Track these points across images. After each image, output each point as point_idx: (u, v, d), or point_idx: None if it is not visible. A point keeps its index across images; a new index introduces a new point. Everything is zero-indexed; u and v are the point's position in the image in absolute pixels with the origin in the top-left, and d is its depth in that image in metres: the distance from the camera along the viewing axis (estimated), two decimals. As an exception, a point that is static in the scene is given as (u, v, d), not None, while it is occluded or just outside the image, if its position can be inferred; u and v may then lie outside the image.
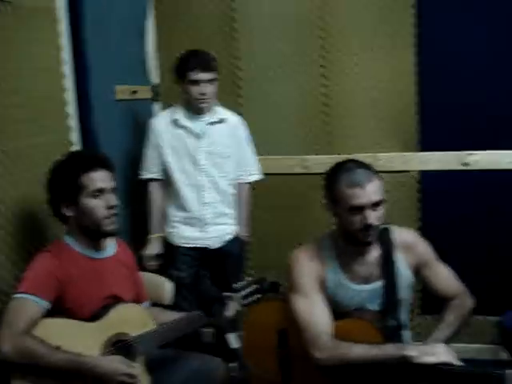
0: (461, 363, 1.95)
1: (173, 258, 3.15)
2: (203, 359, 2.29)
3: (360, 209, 2.13)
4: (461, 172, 3.36)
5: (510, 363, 2.58)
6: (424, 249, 2.33)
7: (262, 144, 3.57)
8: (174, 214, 3.16)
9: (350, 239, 2.23)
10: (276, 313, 2.33)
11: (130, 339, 2.13)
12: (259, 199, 3.62)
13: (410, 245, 2.31)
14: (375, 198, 2.14)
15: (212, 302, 1.76)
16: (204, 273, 3.28)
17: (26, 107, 2.47)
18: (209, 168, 3.09)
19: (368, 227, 2.13)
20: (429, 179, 3.42)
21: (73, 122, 2.79)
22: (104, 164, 2.25)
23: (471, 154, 3.33)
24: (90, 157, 2.28)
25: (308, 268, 2.27)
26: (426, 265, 2.32)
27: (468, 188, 3.37)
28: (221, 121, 3.12)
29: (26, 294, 2.01)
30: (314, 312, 2.19)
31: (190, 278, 3.14)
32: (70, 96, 2.79)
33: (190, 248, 3.15)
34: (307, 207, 3.58)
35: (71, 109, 2.78)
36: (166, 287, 2.67)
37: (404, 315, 2.31)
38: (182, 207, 3.13)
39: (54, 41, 2.68)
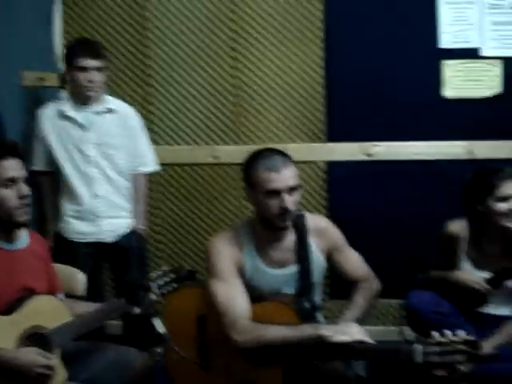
0: (372, 341, 2.06)
1: (68, 253, 3.02)
2: (119, 350, 2.27)
3: (276, 193, 2.20)
4: (365, 162, 3.50)
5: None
6: (335, 234, 2.45)
7: (173, 134, 3.58)
8: (66, 207, 3.06)
9: (267, 224, 2.30)
10: (195, 299, 2.35)
11: (46, 332, 2.08)
12: (170, 190, 3.63)
13: (322, 230, 2.41)
14: (291, 182, 2.22)
15: (135, 288, 1.76)
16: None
17: None
18: (98, 159, 3.01)
19: (284, 211, 2.21)
20: (335, 169, 3.54)
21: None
22: (15, 152, 2.17)
23: (375, 145, 3.48)
24: (1, 145, 2.20)
25: (226, 253, 2.32)
26: (337, 249, 2.43)
27: (372, 177, 3.52)
28: (109, 110, 3.05)
29: None
30: (233, 296, 2.24)
31: (89, 274, 2.88)
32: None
33: (85, 244, 3.06)
34: (218, 197, 3.62)
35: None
36: (78, 278, 2.61)
37: (318, 298, 2.41)
38: (74, 200, 3.03)
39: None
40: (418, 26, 3.41)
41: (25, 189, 2.14)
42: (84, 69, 2.91)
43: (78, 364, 2.19)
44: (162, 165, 3.57)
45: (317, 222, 2.44)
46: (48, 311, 2.13)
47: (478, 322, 2.55)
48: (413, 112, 3.47)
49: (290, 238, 2.35)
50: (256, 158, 2.30)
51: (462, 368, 1.89)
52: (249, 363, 2.21)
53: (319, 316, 2.42)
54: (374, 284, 2.47)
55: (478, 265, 2.65)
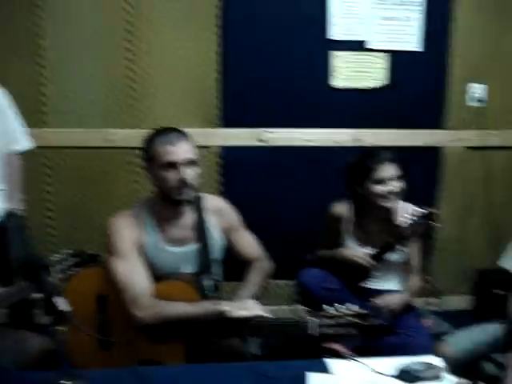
0: (270, 316, 2.16)
1: None
2: (16, 335, 2.23)
3: (173, 165, 2.25)
4: (258, 148, 3.60)
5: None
6: (232, 215, 2.54)
7: (65, 116, 3.50)
8: None
9: (166, 199, 2.34)
10: (94, 279, 2.35)
11: None
12: (62, 174, 3.55)
13: (220, 210, 2.49)
14: (187, 155, 2.28)
15: (35, 268, 1.75)
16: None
17: None
18: None
19: (183, 183, 2.26)
20: (229, 154, 3.61)
21: None
22: None
23: (267, 131, 3.59)
24: None
25: (125, 232, 2.34)
26: (234, 229, 2.53)
27: (265, 163, 3.62)
28: None
29: None
30: (133, 273, 2.27)
31: None
32: None
33: None
34: (111, 181, 3.58)
35: None
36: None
37: (218, 275, 2.49)
38: None
39: None
40: (310, 17, 3.53)
41: None
42: None
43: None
44: (54, 148, 3.51)
45: (215, 202, 2.53)
46: None
47: (362, 297, 2.72)
48: (304, 100, 3.60)
49: (189, 216, 2.41)
50: (153, 134, 2.36)
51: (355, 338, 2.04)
52: (151, 341, 2.24)
53: (219, 293, 2.49)
54: (267, 264, 2.59)
55: (362, 242, 2.83)
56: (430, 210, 2.65)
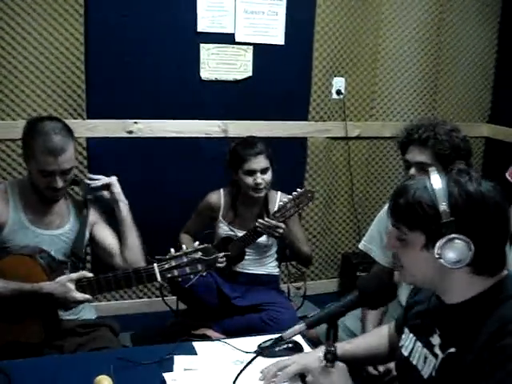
0: None
1: None
2: None
3: (50, 174, 2.25)
4: (126, 139, 3.58)
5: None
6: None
7: None
8: None
9: (36, 192, 2.35)
10: None
11: None
12: None
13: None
14: (66, 166, 2.28)
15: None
16: None
17: None
18: None
19: (54, 190, 2.30)
20: (95, 146, 3.55)
21: None
22: None
23: (136, 122, 3.57)
24: None
25: None
26: (97, 225, 2.53)
27: (133, 154, 3.61)
28: None
29: None
30: None
31: None
32: None
33: None
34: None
35: None
36: None
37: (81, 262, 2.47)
38: None
39: None
40: (180, 8, 3.55)
41: None
42: None
43: None
44: None
45: None
46: None
47: (233, 280, 2.90)
48: (173, 92, 3.62)
49: (61, 203, 2.42)
50: (38, 130, 2.28)
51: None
52: (6, 322, 2.19)
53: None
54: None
55: (235, 226, 2.95)
56: (307, 189, 2.79)
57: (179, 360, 1.87)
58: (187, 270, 2.10)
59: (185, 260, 2.10)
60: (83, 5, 3.39)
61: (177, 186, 3.68)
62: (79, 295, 2.15)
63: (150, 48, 3.55)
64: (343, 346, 1.79)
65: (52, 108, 3.44)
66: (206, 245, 2.13)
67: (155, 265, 2.13)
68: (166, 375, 1.77)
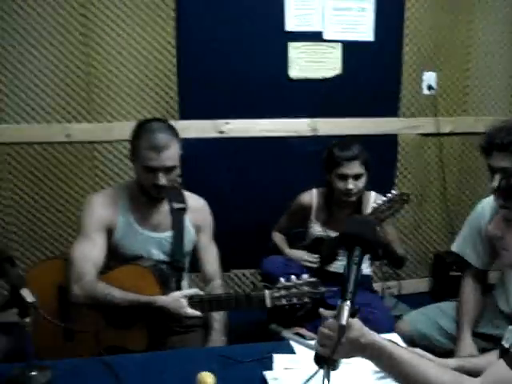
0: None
1: None
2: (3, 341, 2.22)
3: (153, 170, 2.29)
4: (218, 139, 3.63)
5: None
6: (208, 218, 2.59)
7: (22, 112, 3.47)
8: None
9: (143, 191, 2.40)
10: (57, 270, 2.35)
11: None
12: (20, 170, 3.52)
13: (198, 209, 2.55)
14: (169, 163, 2.32)
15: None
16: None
17: None
18: None
19: (158, 187, 2.33)
20: (188, 146, 3.60)
21: None
22: None
23: (227, 122, 3.62)
24: None
25: (97, 211, 2.38)
26: (204, 232, 2.56)
27: (224, 154, 3.65)
28: None
29: None
30: (87, 251, 2.31)
31: None
32: None
33: None
34: (71, 176, 3.56)
35: None
36: None
37: (186, 265, 2.54)
38: None
39: None
40: (267, 8, 3.57)
41: None
42: None
43: None
44: (11, 144, 3.47)
45: (195, 198, 2.58)
46: None
47: (326, 280, 2.80)
48: (262, 91, 3.64)
49: (166, 205, 2.47)
50: (143, 129, 2.36)
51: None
52: (114, 328, 2.27)
53: (184, 284, 2.52)
54: (220, 283, 2.59)
55: (328, 226, 2.94)
56: (403, 191, 2.75)
57: (279, 359, 1.88)
58: (294, 300, 2.18)
59: (294, 291, 2.18)
60: (175, 9, 3.47)
61: (266, 185, 3.70)
62: (190, 311, 2.23)
63: (240, 48, 3.58)
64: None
65: (146, 110, 3.53)
66: (315, 279, 2.21)
67: (266, 291, 2.20)
68: (267, 373, 1.79)
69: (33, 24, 3.39)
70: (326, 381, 1.38)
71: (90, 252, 2.32)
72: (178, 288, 2.44)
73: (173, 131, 2.39)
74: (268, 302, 2.18)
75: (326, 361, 1.43)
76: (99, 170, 3.55)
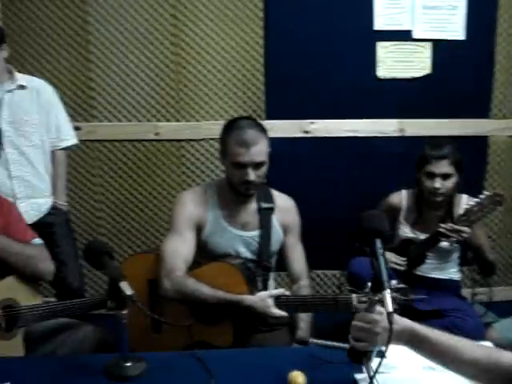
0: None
1: None
2: (89, 329, 2.28)
3: (243, 166, 2.31)
4: (303, 139, 3.62)
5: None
6: (296, 218, 2.58)
7: (114, 111, 3.58)
8: None
9: (232, 188, 2.42)
10: (146, 264, 2.42)
11: (18, 309, 2.12)
12: (110, 166, 3.63)
13: (286, 209, 2.55)
14: (258, 159, 2.33)
15: (99, 254, 1.81)
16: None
17: None
18: (14, 139, 2.96)
19: (247, 183, 2.34)
20: (273, 145, 3.62)
21: None
22: None
23: (312, 122, 3.61)
24: None
25: (189, 209, 2.43)
26: (291, 232, 2.55)
27: (309, 154, 3.64)
28: (21, 87, 2.99)
29: None
30: (178, 247, 2.36)
31: None
32: None
33: None
34: (159, 173, 3.65)
35: None
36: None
37: (273, 265, 2.54)
38: None
39: None
40: (356, 7, 3.54)
41: None
42: None
43: (50, 343, 2.21)
44: (103, 141, 3.60)
45: (283, 198, 2.58)
46: (22, 288, 2.19)
47: (413, 283, 2.75)
48: (348, 91, 3.61)
49: (255, 204, 2.48)
50: (232, 127, 2.39)
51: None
52: (201, 323, 2.30)
53: (271, 282, 2.53)
54: (308, 283, 2.58)
55: (417, 228, 2.88)
56: (495, 192, 2.65)
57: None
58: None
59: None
60: (263, 9, 3.49)
61: (352, 186, 3.67)
62: (277, 312, 2.23)
63: (327, 48, 3.56)
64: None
65: (233, 109, 3.57)
66: (404, 285, 2.16)
67: (354, 295, 2.18)
68: (359, 376, 1.77)
69: (125, 25, 3.50)
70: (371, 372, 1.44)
71: (180, 248, 2.36)
72: (265, 287, 2.45)
73: (261, 128, 2.42)
74: (355, 307, 2.15)
75: (364, 354, 1.52)
76: (186, 168, 3.62)
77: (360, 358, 1.55)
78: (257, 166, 2.34)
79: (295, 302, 2.27)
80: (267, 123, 3.53)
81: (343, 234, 3.18)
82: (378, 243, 1.54)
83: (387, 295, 1.46)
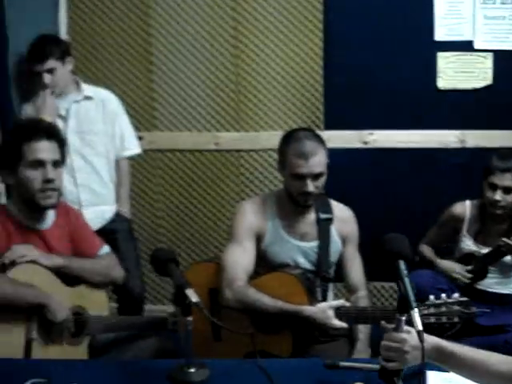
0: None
1: None
2: (150, 338, 2.36)
3: (302, 177, 2.33)
4: (361, 150, 3.61)
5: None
6: (354, 229, 2.59)
7: (174, 120, 3.66)
8: None
9: (291, 199, 2.44)
10: (207, 273, 2.47)
11: (86, 317, 2.21)
12: (171, 175, 3.71)
13: (345, 219, 2.56)
14: (316, 170, 2.35)
15: (166, 262, 1.85)
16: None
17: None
18: (80, 148, 3.06)
19: (305, 194, 2.35)
20: (331, 156, 3.61)
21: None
22: (50, 134, 2.18)
23: (371, 133, 3.59)
24: (35, 126, 2.20)
25: (249, 218, 2.46)
26: (350, 243, 2.56)
27: (368, 165, 3.62)
28: (87, 98, 3.10)
29: None
30: (239, 257, 2.39)
31: None
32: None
33: None
34: (218, 183, 3.70)
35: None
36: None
37: (331, 276, 2.54)
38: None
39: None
40: (416, 18, 3.51)
41: (50, 172, 2.15)
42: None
43: (115, 353, 2.30)
44: (164, 151, 3.67)
45: (342, 210, 2.59)
46: (93, 299, 2.29)
47: (474, 298, 2.70)
48: (408, 102, 3.57)
49: (313, 214, 2.49)
50: (291, 138, 2.42)
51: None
52: (261, 332, 2.33)
53: (330, 295, 2.54)
54: (366, 294, 2.58)
55: (480, 241, 2.84)
56: None
57: (433, 376, 1.84)
58: (443, 319, 2.11)
59: (443, 309, 2.11)
60: (322, 20, 3.51)
61: (410, 198, 3.61)
62: (337, 323, 2.24)
63: (387, 58, 3.54)
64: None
65: (291, 120, 3.60)
66: (466, 298, 2.13)
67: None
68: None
69: (186, 36, 3.58)
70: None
71: (241, 258, 2.39)
72: (324, 298, 2.45)
73: (319, 139, 2.44)
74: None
75: (395, 375, 1.55)
76: (245, 178, 3.66)
77: (391, 379, 1.57)
78: (315, 177, 2.35)
79: (355, 314, 2.27)
80: (325, 134, 3.56)
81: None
82: (402, 265, 1.58)
83: (415, 314, 1.49)
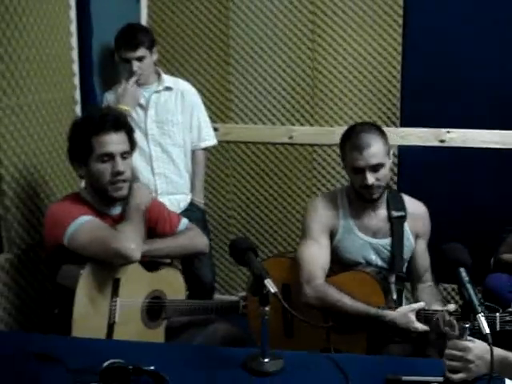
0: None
1: None
2: (224, 325, 2.41)
3: (360, 170, 2.31)
4: (439, 148, 3.54)
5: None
6: (427, 225, 2.53)
7: (250, 113, 3.69)
8: None
9: (357, 195, 2.43)
10: (280, 269, 2.46)
11: (164, 300, 2.28)
12: (244, 167, 3.74)
13: (418, 216, 2.50)
14: (373, 161, 2.30)
15: (244, 251, 1.87)
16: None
17: (36, 63, 2.51)
18: (159, 137, 3.12)
19: (366, 187, 2.33)
20: (406, 154, 3.58)
21: (77, 80, 2.83)
22: (117, 126, 2.20)
23: (449, 131, 3.52)
24: (104, 118, 2.20)
25: (321, 215, 2.45)
26: (422, 239, 2.52)
27: (443, 164, 3.55)
28: (167, 89, 3.15)
29: None
30: (316, 254, 2.38)
31: None
32: (75, 55, 2.82)
33: None
34: (290, 176, 3.72)
35: (76, 67, 2.82)
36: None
37: (404, 274, 2.51)
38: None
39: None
40: (498, 15, 3.38)
41: (119, 165, 2.17)
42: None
43: (187, 336, 2.36)
44: (238, 143, 3.71)
45: (416, 205, 2.53)
46: (172, 283, 2.34)
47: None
48: (489, 100, 3.47)
49: (384, 210, 2.46)
50: (348, 133, 2.41)
51: None
52: (333, 330, 2.32)
53: (406, 293, 2.52)
54: (435, 290, 2.54)
55: None
56: None
57: None
58: None
59: None
60: (402, 15, 3.46)
61: (486, 199, 3.52)
62: (420, 326, 2.20)
63: (468, 55, 3.45)
64: None
65: (367, 115, 3.56)
66: None
67: (497, 314, 2.12)
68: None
69: (264, 30, 3.60)
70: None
71: (317, 254, 2.39)
72: (399, 297, 2.42)
73: (376, 130, 2.39)
74: (497, 325, 2.09)
75: None
76: (317, 172, 3.66)
77: None
78: (374, 168, 2.31)
79: (436, 317, 2.21)
80: (402, 131, 3.54)
81: (479, 248, 3.10)
82: (463, 272, 1.59)
83: (482, 318, 1.49)
